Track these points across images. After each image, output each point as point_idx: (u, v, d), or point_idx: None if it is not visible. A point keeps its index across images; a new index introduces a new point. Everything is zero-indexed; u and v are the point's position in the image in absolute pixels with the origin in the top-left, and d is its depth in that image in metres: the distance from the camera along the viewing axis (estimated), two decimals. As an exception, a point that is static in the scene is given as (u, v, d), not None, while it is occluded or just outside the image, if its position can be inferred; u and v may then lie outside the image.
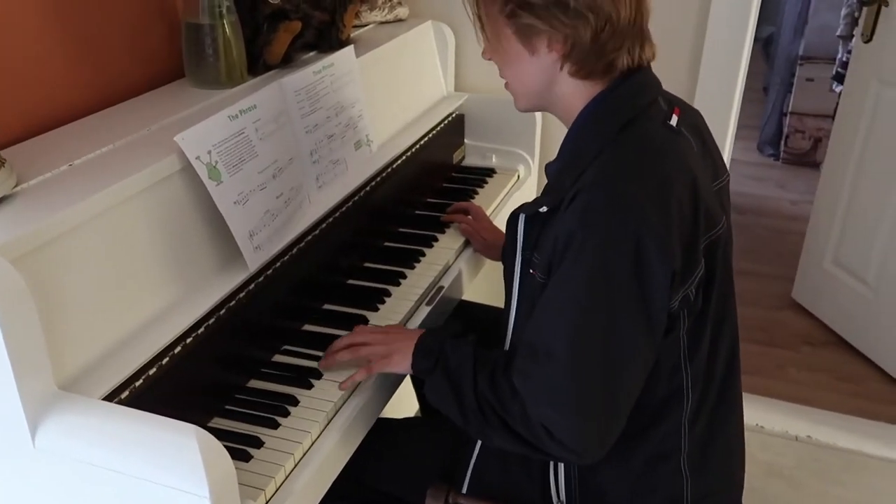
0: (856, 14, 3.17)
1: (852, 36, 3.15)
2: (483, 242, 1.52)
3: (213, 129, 1.09)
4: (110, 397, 0.90)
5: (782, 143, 3.94)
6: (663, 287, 0.92)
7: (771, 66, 4.28)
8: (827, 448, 2.03)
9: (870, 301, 2.33)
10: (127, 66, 1.31)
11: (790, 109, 3.88)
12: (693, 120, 1.06)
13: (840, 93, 3.25)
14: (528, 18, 0.98)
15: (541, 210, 1.00)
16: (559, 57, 1.00)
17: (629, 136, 0.98)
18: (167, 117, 1.20)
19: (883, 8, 2.17)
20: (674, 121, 1.01)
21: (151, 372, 0.96)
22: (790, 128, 3.91)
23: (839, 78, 3.21)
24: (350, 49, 1.46)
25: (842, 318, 2.46)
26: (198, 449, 0.78)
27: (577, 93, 1.02)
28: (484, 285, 1.69)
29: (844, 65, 3.17)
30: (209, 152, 1.08)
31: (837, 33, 3.26)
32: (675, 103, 1.05)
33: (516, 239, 1.07)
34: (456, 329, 1.13)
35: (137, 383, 0.94)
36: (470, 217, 1.57)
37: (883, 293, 2.29)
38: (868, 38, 2.24)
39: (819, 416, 2.14)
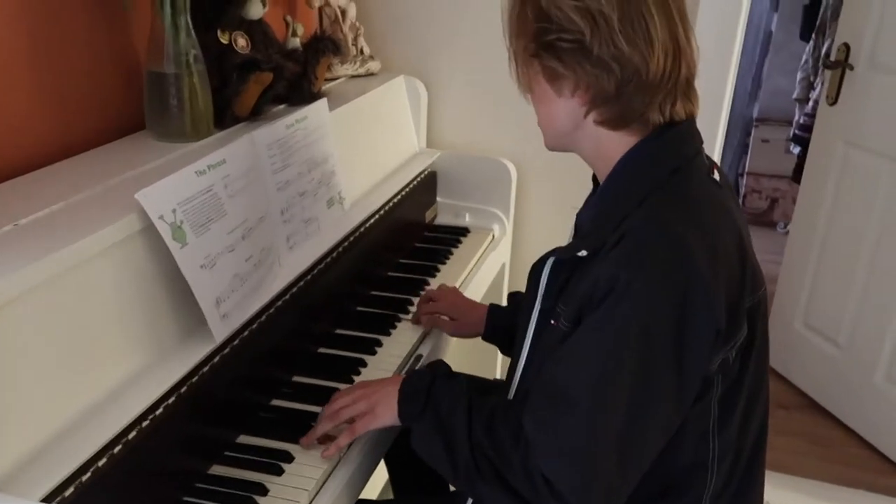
0: (811, 78, 3.25)
1: (808, 99, 3.23)
2: (452, 325, 1.39)
3: (179, 185, 0.99)
4: (53, 495, 0.77)
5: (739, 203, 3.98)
6: (705, 344, 0.86)
7: (726, 128, 4.37)
8: (809, 518, 1.97)
9: (841, 363, 2.31)
10: (82, 115, 1.20)
11: (746, 170, 3.94)
12: (727, 180, 1.01)
13: (798, 153, 3.32)
14: (551, 62, 0.92)
15: (580, 254, 0.92)
16: (583, 104, 0.94)
17: (676, 185, 0.92)
18: (126, 172, 1.10)
19: (847, 71, 2.20)
20: (716, 175, 0.96)
21: (101, 464, 0.83)
22: (747, 188, 3.96)
23: (797, 139, 3.27)
24: (323, 102, 1.38)
25: (813, 380, 2.43)
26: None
27: (607, 141, 0.96)
28: (466, 354, 1.60)
29: (802, 127, 3.23)
30: (174, 211, 0.97)
31: (794, 96, 3.33)
32: (712, 161, 1.00)
33: (538, 287, 0.99)
34: (443, 369, 1.04)
35: (84, 478, 0.81)
36: (429, 305, 1.41)
37: (854, 355, 2.27)
38: (833, 101, 2.26)
39: (798, 484, 2.08)
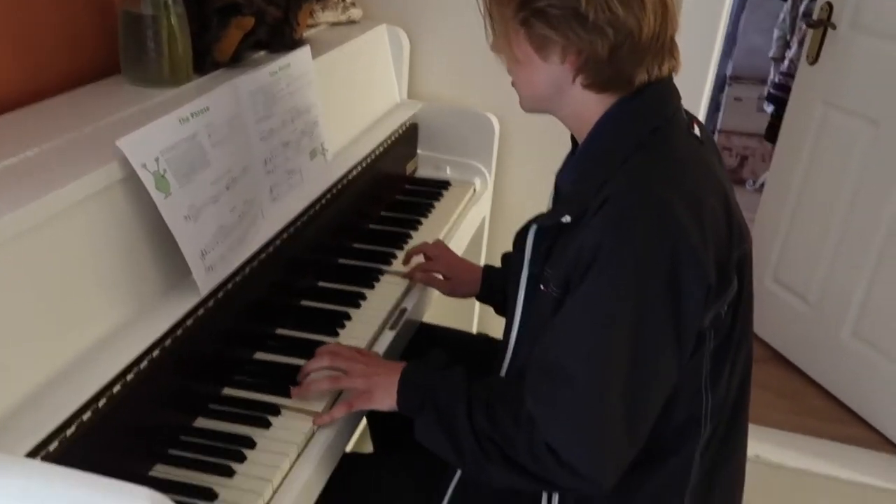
0: (787, 37, 3.25)
1: (784, 58, 3.23)
2: (447, 285, 1.39)
3: (162, 133, 0.96)
4: (37, 450, 0.75)
5: (711, 160, 4.00)
6: (697, 303, 0.86)
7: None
8: (776, 468, 2.02)
9: (810, 320, 2.35)
10: (52, 57, 1.15)
11: (719, 128, 3.96)
12: (708, 135, 1.00)
13: (771, 112, 3.33)
14: (541, 28, 0.90)
15: (563, 220, 0.91)
16: (572, 69, 0.92)
17: (657, 145, 0.91)
18: (103, 118, 1.05)
19: (829, 31, 2.20)
20: (696, 131, 0.95)
21: (86, 417, 0.81)
22: (718, 145, 3.97)
23: (771, 98, 3.27)
24: (306, 50, 1.34)
25: (782, 335, 2.47)
26: (153, 518, 0.65)
27: (589, 103, 0.95)
28: (443, 307, 1.59)
29: (776, 86, 3.23)
30: (157, 160, 0.94)
31: (770, 55, 3.33)
32: (691, 116, 0.98)
33: (524, 253, 0.98)
34: (440, 360, 1.03)
35: (69, 432, 0.79)
36: (425, 263, 1.40)
37: (823, 312, 2.32)
38: (813, 60, 2.26)
39: (767, 434, 2.13)
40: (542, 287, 0.96)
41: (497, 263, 1.38)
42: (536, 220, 0.99)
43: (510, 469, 0.92)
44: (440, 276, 1.38)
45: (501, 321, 1.45)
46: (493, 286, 1.34)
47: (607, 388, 0.86)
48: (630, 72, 0.91)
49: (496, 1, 0.94)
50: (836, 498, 1.98)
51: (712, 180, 0.92)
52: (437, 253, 1.40)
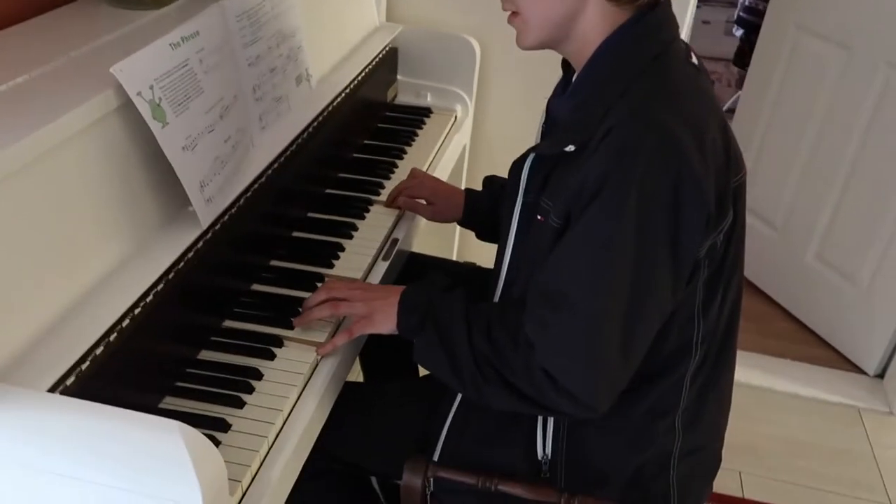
0: (759, -41, 3.22)
1: (755, -20, 3.21)
2: (431, 210, 1.37)
3: (154, 59, 0.92)
4: (55, 386, 0.75)
5: (678, 85, 4.00)
6: (697, 232, 0.88)
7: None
8: (743, 387, 2.11)
9: (775, 244, 2.42)
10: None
11: (685, 52, 3.95)
12: (702, 63, 1.00)
13: (741, 36, 3.34)
14: None
15: (567, 149, 0.91)
16: None
17: (658, 72, 0.91)
18: (87, 42, 1.01)
19: (805, -46, 2.19)
20: (694, 59, 0.95)
21: (98, 352, 0.81)
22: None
23: (741, 22, 3.27)
24: (289, -30, 1.29)
25: (750, 260, 2.53)
26: (186, 450, 0.65)
27: (599, 24, 0.93)
28: (423, 236, 1.59)
29: (746, 9, 3.22)
30: (151, 87, 0.90)
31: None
32: (687, 44, 0.98)
33: (519, 182, 0.98)
34: (441, 281, 1.03)
35: (84, 366, 0.79)
36: (410, 189, 1.38)
37: (789, 236, 2.38)
38: (788, -16, 2.26)
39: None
40: (538, 217, 0.96)
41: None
42: (535, 148, 0.98)
43: (507, 392, 0.94)
44: (423, 202, 1.37)
45: (481, 251, 1.47)
46: (475, 210, 1.34)
47: (606, 316, 0.88)
48: None
49: None
50: (798, 414, 2.08)
51: (712, 108, 0.93)
52: (418, 180, 1.39)
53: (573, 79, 1.01)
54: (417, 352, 0.99)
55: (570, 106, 0.98)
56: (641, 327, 0.90)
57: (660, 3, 0.93)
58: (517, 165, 1.00)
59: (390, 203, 1.38)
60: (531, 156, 0.97)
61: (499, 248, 1.07)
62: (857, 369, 2.23)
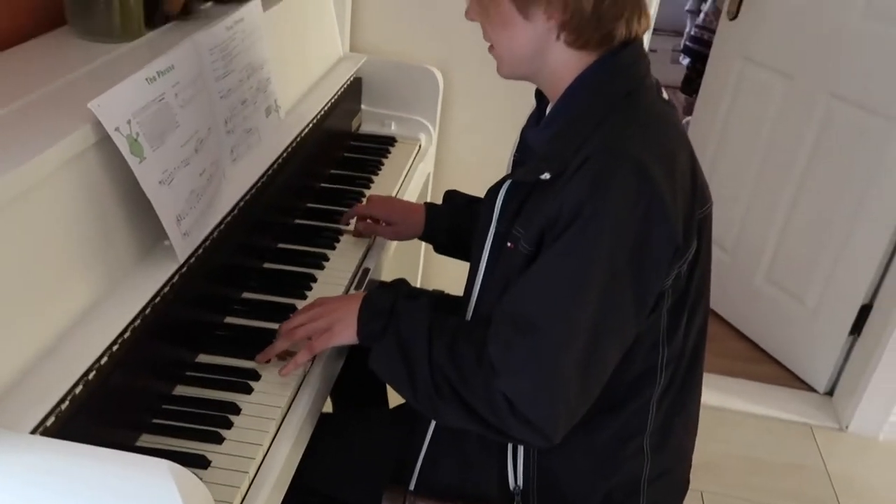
0: (703, -10, 3.35)
1: (700, 10, 3.33)
2: (392, 230, 1.38)
3: (131, 94, 0.92)
4: (35, 428, 0.74)
5: (627, 111, 4.11)
6: (663, 264, 0.91)
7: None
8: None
9: (727, 266, 2.50)
10: (-7, 8, 1.07)
11: (634, 79, 4.06)
12: (671, 99, 1.04)
13: (687, 65, 3.45)
14: None
15: (542, 177, 0.93)
16: (556, 25, 0.93)
17: (633, 106, 0.94)
18: (60, 76, 1.00)
19: (749, -12, 2.29)
20: (664, 95, 0.99)
21: (78, 391, 0.79)
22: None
23: (687, 51, 3.38)
24: (257, 3, 1.30)
25: (700, 281, 2.61)
26: (176, 489, 0.65)
27: (569, 62, 0.96)
28: (392, 264, 1.61)
29: (692, 38, 3.34)
30: (129, 122, 0.90)
31: (686, 7, 3.43)
32: (656, 80, 1.02)
33: (493, 209, 1.00)
34: (404, 287, 1.04)
35: (63, 406, 0.77)
36: (366, 207, 1.39)
37: (739, 259, 2.47)
38: (734, 16, 2.36)
39: (689, 375, 2.27)
40: (508, 244, 0.98)
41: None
42: (512, 176, 1.00)
43: (462, 410, 0.93)
44: (383, 224, 1.37)
45: (446, 279, 1.49)
46: (435, 225, 1.34)
47: (568, 344, 0.89)
48: (611, 25, 0.93)
49: None
50: (752, 431, 2.15)
51: (682, 142, 0.97)
52: (376, 202, 1.39)
53: (548, 109, 1.04)
54: (374, 358, 0.98)
55: (545, 136, 1.01)
56: (602, 356, 0.92)
57: (633, 41, 0.96)
58: (492, 193, 1.02)
59: (356, 234, 1.38)
60: (507, 183, 1.00)
61: (469, 276, 1.08)
62: (808, 387, 2.31)
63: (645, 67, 0.99)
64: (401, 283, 1.05)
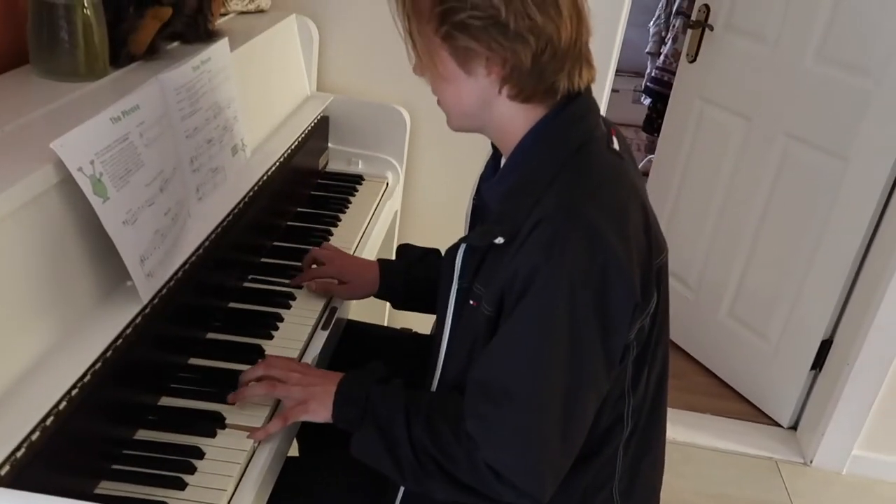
0: (663, 33, 3.45)
1: (660, 53, 3.42)
2: (346, 289, 1.33)
3: (95, 133, 0.91)
4: (-10, 477, 0.71)
5: (591, 149, 4.18)
6: (625, 321, 0.91)
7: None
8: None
9: (691, 303, 2.53)
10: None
11: (597, 118, 4.14)
12: (624, 141, 1.05)
13: (648, 105, 3.53)
14: (464, 41, 0.91)
15: (496, 242, 0.93)
16: (497, 79, 0.94)
17: (582, 163, 0.94)
18: (21, 115, 0.98)
19: (707, 31, 2.36)
20: (615, 144, 1.00)
21: (34, 437, 0.77)
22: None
23: (648, 91, 3.46)
24: (225, 42, 1.30)
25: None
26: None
27: (516, 116, 0.97)
28: (360, 302, 1.60)
29: (653, 80, 3.43)
30: (91, 162, 0.89)
31: (646, 50, 3.51)
32: (609, 124, 1.03)
33: (453, 269, 1.00)
34: (378, 372, 1.03)
35: (19, 454, 0.75)
36: (321, 269, 1.35)
37: (703, 295, 2.50)
38: (693, 59, 2.42)
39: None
40: (471, 302, 0.98)
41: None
42: (467, 239, 1.00)
43: (450, 484, 0.94)
44: (335, 282, 1.34)
45: (414, 315, 1.47)
46: (390, 283, 1.33)
47: (545, 408, 0.89)
48: (552, 79, 0.94)
49: (416, 19, 0.94)
50: (717, 467, 2.16)
51: (633, 195, 0.96)
52: (330, 257, 1.36)
53: (501, 162, 1.05)
54: (355, 447, 0.99)
55: (499, 193, 1.00)
56: (579, 414, 0.92)
57: (580, 93, 0.97)
58: (450, 253, 1.02)
59: (307, 286, 1.32)
60: (463, 245, 1.00)
61: (435, 333, 1.08)
62: (772, 421, 2.34)
63: (594, 119, 0.99)
64: (374, 368, 1.04)
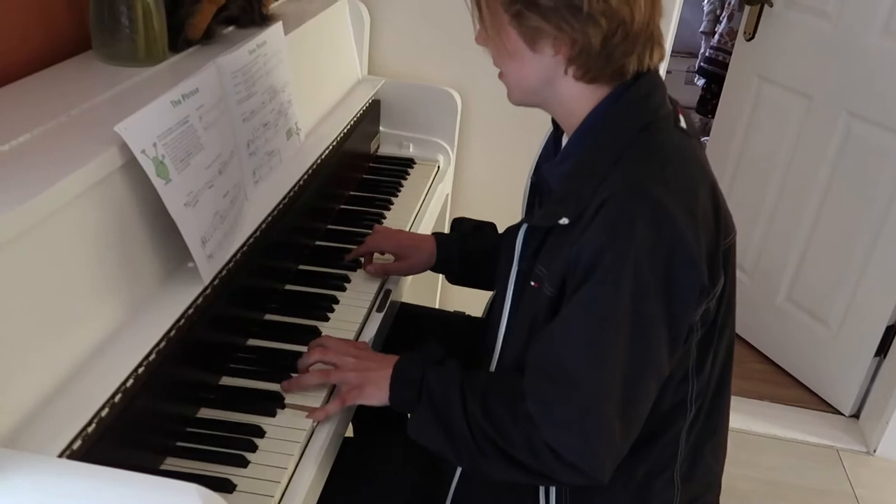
0: (717, 12, 3.36)
1: (714, 32, 3.34)
2: (404, 266, 1.33)
3: (157, 116, 0.92)
4: (62, 451, 0.73)
5: (642, 132, 4.11)
6: (690, 304, 0.89)
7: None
8: (722, 429, 2.13)
9: (747, 287, 2.47)
10: (19, 33, 1.08)
11: (648, 100, 4.06)
12: (691, 120, 1.03)
13: (702, 85, 3.45)
14: (535, 20, 0.89)
15: (561, 222, 0.92)
16: (564, 59, 0.92)
17: (649, 141, 0.92)
18: (85, 100, 1.00)
19: (766, 8, 2.29)
20: (682, 123, 0.97)
21: (104, 414, 0.79)
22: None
23: (702, 72, 3.38)
24: (279, 26, 1.31)
25: (720, 302, 2.59)
26: (205, 514, 0.64)
27: (581, 95, 0.95)
28: (412, 285, 1.60)
29: (707, 59, 3.34)
30: (154, 145, 0.90)
31: (700, 29, 3.43)
32: (675, 103, 1.00)
33: (514, 250, 0.99)
34: (436, 354, 1.03)
35: (90, 430, 0.77)
36: (374, 243, 1.35)
37: (759, 279, 2.44)
38: (751, 37, 2.35)
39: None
40: (532, 283, 0.97)
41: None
42: (530, 220, 0.99)
43: (508, 464, 0.93)
44: (391, 260, 1.34)
45: (464, 299, 1.47)
46: (447, 255, 1.32)
47: (606, 389, 0.88)
48: (621, 61, 0.92)
49: None
50: (777, 455, 2.11)
51: (702, 174, 0.94)
52: (384, 235, 1.36)
53: (563, 140, 1.03)
54: (412, 428, 0.98)
55: (561, 173, 0.98)
56: (640, 396, 0.91)
57: (647, 71, 0.95)
58: (511, 233, 1.01)
59: (366, 269, 1.33)
60: (524, 226, 0.98)
61: (493, 313, 1.07)
62: (833, 409, 2.28)
63: (660, 98, 0.96)
64: (429, 350, 1.03)
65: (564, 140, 1.02)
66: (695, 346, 0.96)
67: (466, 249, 1.31)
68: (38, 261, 0.77)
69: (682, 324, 0.90)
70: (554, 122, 1.08)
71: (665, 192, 0.87)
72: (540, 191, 1.10)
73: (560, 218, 0.92)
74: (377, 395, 1.00)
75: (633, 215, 0.86)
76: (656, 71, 0.97)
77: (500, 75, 1.00)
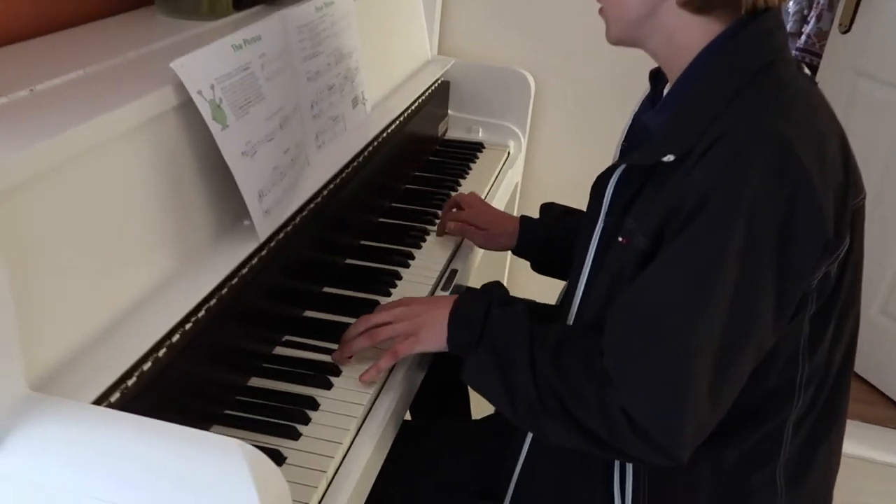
0: (805, 12, 3.20)
1: (801, 33, 3.17)
2: (483, 236, 1.27)
3: (216, 58, 0.86)
4: (99, 400, 0.66)
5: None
6: (811, 261, 0.77)
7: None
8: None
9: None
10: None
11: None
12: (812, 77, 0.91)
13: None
14: None
15: (665, 160, 0.81)
16: None
17: (771, 80, 0.81)
18: (144, 45, 0.95)
19: (863, -2, 2.14)
20: (806, 70, 0.86)
21: (146, 367, 0.72)
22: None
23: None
24: (348, -11, 1.24)
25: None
26: (249, 472, 0.56)
27: (688, 28, 0.84)
28: (478, 272, 1.51)
29: (801, 49, 3.17)
30: (212, 87, 0.84)
31: (787, 29, 3.27)
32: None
33: (601, 201, 0.88)
34: (499, 293, 0.92)
35: (129, 382, 0.70)
36: (460, 212, 1.30)
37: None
38: (846, 29, 2.20)
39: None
40: (620, 239, 0.86)
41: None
42: (628, 159, 0.88)
43: (570, 426, 0.82)
44: (473, 228, 1.27)
45: (531, 289, 1.37)
46: (531, 238, 1.23)
47: (698, 351, 0.76)
48: None
49: None
50: (865, 477, 1.93)
51: (833, 122, 0.83)
52: (471, 202, 1.30)
53: (666, 89, 0.93)
54: (467, 372, 0.88)
55: (665, 116, 0.89)
56: (735, 366, 0.79)
57: (768, 9, 0.84)
58: (601, 181, 0.91)
59: (441, 231, 1.29)
60: (620, 168, 0.88)
61: (570, 279, 0.97)
62: (934, 431, 2.08)
63: (782, 38, 0.85)
64: (494, 288, 0.93)
65: (667, 89, 0.91)
66: (808, 320, 0.83)
67: (553, 233, 1.22)
68: (88, 193, 0.71)
69: (796, 284, 0.78)
70: (652, 77, 0.98)
71: (791, 130, 0.75)
72: (636, 147, 0.99)
73: (664, 155, 0.81)
74: (432, 339, 0.91)
75: (753, 153, 0.75)
76: (779, 10, 0.86)
77: (601, 11, 0.91)
